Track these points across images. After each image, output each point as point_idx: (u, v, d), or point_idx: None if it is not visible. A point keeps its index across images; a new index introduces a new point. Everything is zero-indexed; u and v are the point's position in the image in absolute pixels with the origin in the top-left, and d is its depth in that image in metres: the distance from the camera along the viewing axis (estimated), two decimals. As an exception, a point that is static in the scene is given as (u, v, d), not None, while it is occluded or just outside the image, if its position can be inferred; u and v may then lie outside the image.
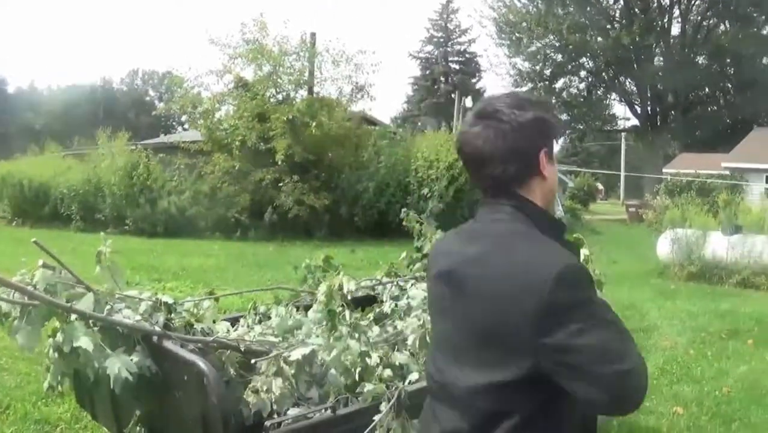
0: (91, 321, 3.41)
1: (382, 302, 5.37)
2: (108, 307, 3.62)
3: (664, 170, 38.15)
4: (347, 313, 4.18)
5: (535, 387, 1.75)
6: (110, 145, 24.01)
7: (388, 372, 3.62)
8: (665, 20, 49.38)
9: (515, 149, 1.87)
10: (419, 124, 36.70)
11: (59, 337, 3.38)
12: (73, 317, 3.37)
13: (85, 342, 3.23)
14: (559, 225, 2.01)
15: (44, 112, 73.28)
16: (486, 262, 1.84)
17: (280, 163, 20.89)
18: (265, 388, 3.29)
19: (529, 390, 1.76)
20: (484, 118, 1.90)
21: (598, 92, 55.94)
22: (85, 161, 24.41)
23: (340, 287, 4.31)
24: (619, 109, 75.33)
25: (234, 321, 4.44)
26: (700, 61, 50.79)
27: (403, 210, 6.67)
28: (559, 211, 27.85)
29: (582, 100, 54.77)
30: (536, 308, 1.68)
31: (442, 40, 64.30)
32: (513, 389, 1.76)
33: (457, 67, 63.85)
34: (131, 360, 3.34)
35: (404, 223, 6.49)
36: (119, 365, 3.25)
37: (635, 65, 48.77)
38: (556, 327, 1.67)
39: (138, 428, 3.62)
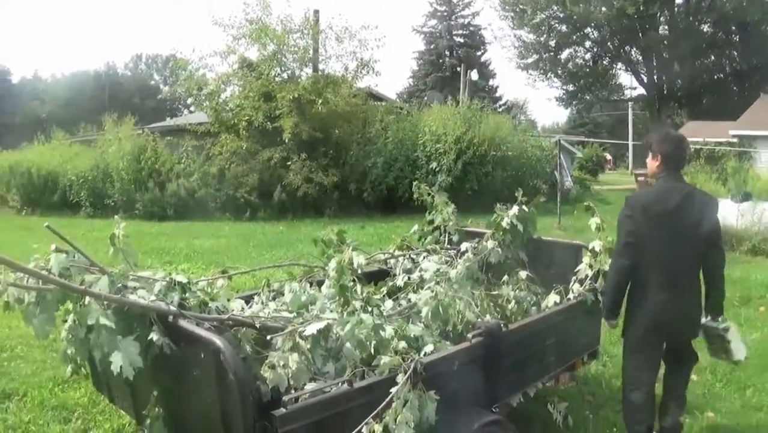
0: (105, 303, 3.39)
1: (395, 275, 5.39)
2: (122, 288, 3.61)
3: (672, 139, 37.69)
4: (359, 287, 4.19)
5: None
6: (117, 130, 23.94)
7: (403, 344, 3.62)
8: (669, -12, 48.92)
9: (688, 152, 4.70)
10: (425, 98, 36.41)
11: (75, 320, 3.38)
12: (88, 299, 3.35)
13: (104, 321, 3.22)
14: None
15: (49, 101, 72.97)
16: (693, 200, 4.42)
17: (287, 141, 20.91)
18: (281, 363, 3.29)
19: (701, 257, 4.51)
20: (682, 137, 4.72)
21: (604, 62, 55.35)
22: (92, 148, 24.36)
23: (350, 262, 4.32)
24: (626, 78, 75.03)
25: (248, 299, 4.45)
26: (705, 29, 50.34)
27: (415, 183, 6.69)
28: (568, 182, 27.73)
29: (588, 70, 54.30)
30: (714, 218, 4.49)
31: (445, 13, 63.61)
32: (700, 256, 4.47)
33: (462, 40, 63.15)
34: (151, 338, 3.35)
35: (415, 195, 6.51)
36: (126, 359, 3.23)
37: (640, 34, 48.31)
38: (718, 225, 4.55)
39: (156, 408, 3.62)
